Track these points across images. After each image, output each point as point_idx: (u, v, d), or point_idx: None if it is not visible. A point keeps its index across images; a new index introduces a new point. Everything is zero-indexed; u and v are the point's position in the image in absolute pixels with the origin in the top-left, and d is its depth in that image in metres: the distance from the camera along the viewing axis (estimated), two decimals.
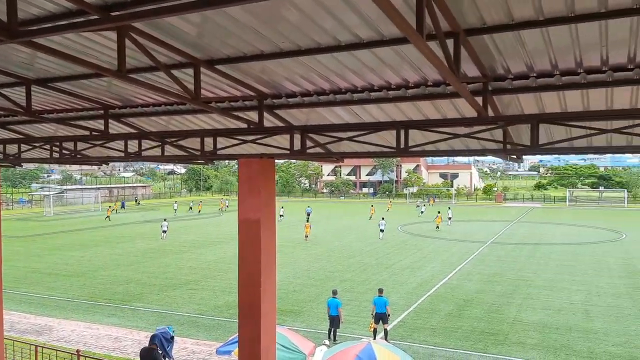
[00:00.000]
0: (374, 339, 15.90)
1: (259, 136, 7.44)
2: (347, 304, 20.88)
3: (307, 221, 45.83)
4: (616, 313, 19.63)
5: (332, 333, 16.67)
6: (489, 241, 39.75)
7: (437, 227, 47.89)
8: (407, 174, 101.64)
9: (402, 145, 6.31)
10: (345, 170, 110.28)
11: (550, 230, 47.83)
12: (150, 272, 27.76)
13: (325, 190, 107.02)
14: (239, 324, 7.35)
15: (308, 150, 6.95)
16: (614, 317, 19.06)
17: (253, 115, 7.18)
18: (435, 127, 6.38)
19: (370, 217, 56.92)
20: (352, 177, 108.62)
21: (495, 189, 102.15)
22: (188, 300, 21.93)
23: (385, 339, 16.38)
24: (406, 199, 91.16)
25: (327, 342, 14.15)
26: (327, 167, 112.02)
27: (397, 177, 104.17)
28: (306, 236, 40.33)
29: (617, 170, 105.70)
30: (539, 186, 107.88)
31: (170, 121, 8.64)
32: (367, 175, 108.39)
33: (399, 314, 19.67)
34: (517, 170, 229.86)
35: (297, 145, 7.07)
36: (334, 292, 17.17)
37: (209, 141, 8.17)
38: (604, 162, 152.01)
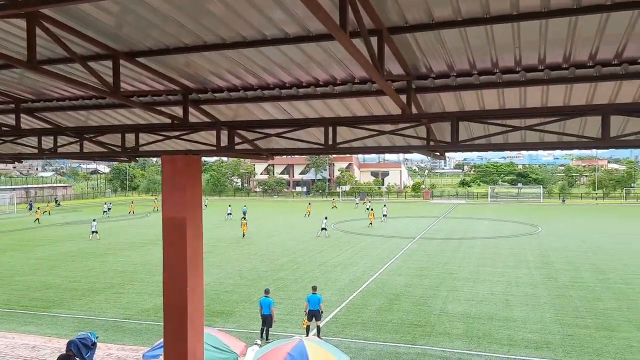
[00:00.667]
0: (307, 336, 15.96)
1: (183, 132, 7.21)
2: (280, 303, 20.81)
3: (244, 219, 45.54)
4: (533, 302, 20.89)
5: (264, 332, 16.56)
6: (418, 237, 41.10)
7: (370, 223, 49.11)
8: (339, 172, 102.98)
9: (331, 142, 6.35)
10: (278, 169, 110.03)
11: (473, 225, 50.20)
12: (72, 276, 26.29)
13: (258, 189, 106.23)
14: (164, 326, 7.07)
15: (236, 147, 6.83)
16: (531, 306, 20.28)
17: (177, 111, 6.95)
18: (362, 124, 6.47)
19: (308, 215, 57.28)
20: (286, 176, 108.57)
21: (423, 186, 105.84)
22: (113, 304, 20.98)
23: (318, 335, 16.49)
24: (339, 197, 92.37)
25: (258, 341, 14.05)
26: (260, 166, 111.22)
27: (330, 175, 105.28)
28: (244, 234, 40.54)
29: (533, 168, 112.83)
30: (463, 183, 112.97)
31: (89, 116, 8.18)
32: (300, 174, 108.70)
33: (331, 310, 19.86)
34: (443, 169, 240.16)
35: (224, 141, 6.93)
36: (266, 291, 17.05)
37: (130, 137, 7.82)
38: (521, 160, 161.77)
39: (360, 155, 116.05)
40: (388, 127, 6.57)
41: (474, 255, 31.96)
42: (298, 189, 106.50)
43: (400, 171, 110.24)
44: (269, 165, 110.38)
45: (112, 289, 23.58)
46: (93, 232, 39.65)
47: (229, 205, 59.81)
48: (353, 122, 6.41)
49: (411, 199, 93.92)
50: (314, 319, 16.71)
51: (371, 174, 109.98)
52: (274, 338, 15.91)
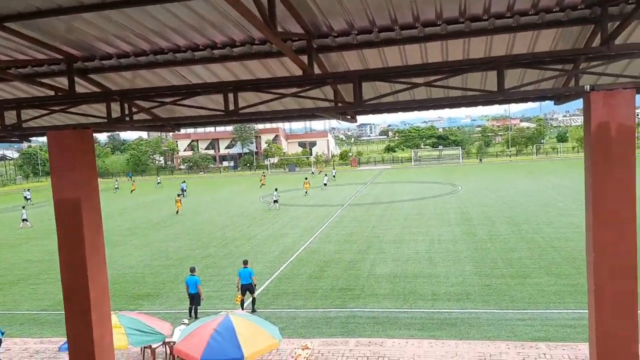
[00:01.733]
0: (242, 310, 15.85)
1: (70, 105, 6.59)
2: (209, 280, 20.47)
3: (183, 196, 44.73)
4: (454, 257, 21.88)
5: (193, 311, 16.21)
6: (346, 203, 41.76)
7: (306, 192, 49.64)
8: (266, 144, 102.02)
9: (232, 108, 6.04)
10: (202, 145, 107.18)
11: (399, 188, 51.73)
12: None
13: (183, 167, 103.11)
14: (65, 314, 6.55)
15: (131, 118, 6.32)
16: (452, 261, 21.23)
17: (64, 82, 6.32)
18: (264, 87, 6.19)
19: (261, 186, 58.35)
20: (211, 151, 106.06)
21: (350, 154, 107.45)
22: (29, 296, 19.70)
23: (253, 308, 16.44)
24: (267, 169, 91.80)
25: (186, 320, 13.73)
26: (182, 143, 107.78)
27: (257, 148, 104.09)
28: (177, 211, 40.62)
29: (452, 130, 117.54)
30: (388, 149, 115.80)
31: None
32: (226, 148, 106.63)
33: (262, 283, 19.80)
34: (369, 136, 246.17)
35: (118, 112, 6.40)
36: (192, 269, 16.61)
37: (13, 114, 7.06)
38: (441, 123, 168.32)
39: (287, 126, 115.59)
40: (295, 89, 6.34)
41: (400, 218, 32.95)
42: (225, 163, 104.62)
43: (327, 140, 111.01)
44: (192, 141, 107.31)
45: (27, 280, 22.12)
46: (23, 220, 37.53)
47: (183, 182, 61.77)
48: (255, 85, 6.11)
49: (339, 167, 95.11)
50: (247, 292, 16.59)
51: (299, 145, 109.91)
52: (203, 316, 15.61)
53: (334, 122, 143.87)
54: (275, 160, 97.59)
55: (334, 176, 63.91)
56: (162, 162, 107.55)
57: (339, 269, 21.11)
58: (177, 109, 6.81)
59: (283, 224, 33.17)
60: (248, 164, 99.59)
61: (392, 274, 19.86)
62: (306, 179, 54.40)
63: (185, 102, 6.22)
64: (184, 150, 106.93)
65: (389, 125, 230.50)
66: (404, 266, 20.92)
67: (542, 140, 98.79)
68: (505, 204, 36.04)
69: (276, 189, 44.28)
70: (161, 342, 13.42)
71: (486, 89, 6.26)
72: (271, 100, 5.95)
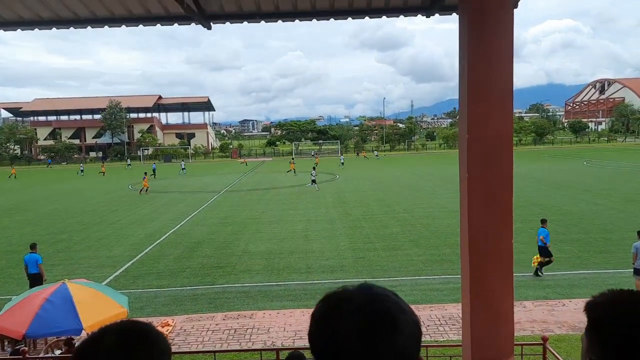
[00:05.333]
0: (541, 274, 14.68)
1: None
2: (59, 264, 18.16)
3: (154, 177, 49.51)
4: (330, 235, 21.69)
5: None
6: (224, 190, 40.28)
7: (291, 172, 52.21)
8: (140, 134, 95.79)
9: None
10: (66, 133, 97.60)
11: (279, 177, 51.29)
12: None
13: (42, 157, 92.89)
14: None
15: None
16: (328, 238, 21.00)
17: None
18: None
19: (288, 171, 58.66)
20: (76, 141, 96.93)
21: (231, 146, 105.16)
22: None
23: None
24: (141, 160, 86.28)
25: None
26: (43, 131, 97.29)
27: (129, 138, 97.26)
28: (142, 190, 39.25)
29: (332, 126, 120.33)
30: (270, 143, 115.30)
31: None
32: (93, 138, 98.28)
33: (121, 265, 17.88)
34: (251, 132, 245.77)
35: None
36: (32, 247, 14.27)
37: None
38: (321, 122, 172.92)
39: (163, 117, 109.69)
40: None
41: (278, 202, 32.35)
42: (92, 154, 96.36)
43: (207, 132, 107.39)
44: (55, 129, 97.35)
45: None
46: None
47: (182, 161, 68.91)
48: None
49: (219, 159, 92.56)
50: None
51: (176, 136, 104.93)
52: None
53: (215, 117, 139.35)
54: (150, 151, 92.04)
55: (342, 163, 64.86)
56: (18, 151, 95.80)
57: (211, 249, 19.83)
58: None
59: (153, 209, 30.86)
60: (119, 155, 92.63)
61: (268, 251, 19.08)
62: (293, 158, 62.89)
63: None
64: (44, 139, 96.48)
65: (272, 122, 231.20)
66: (280, 244, 20.25)
67: (412, 137, 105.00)
68: (379, 189, 37.14)
69: (314, 168, 42.62)
70: None
71: None
72: None
